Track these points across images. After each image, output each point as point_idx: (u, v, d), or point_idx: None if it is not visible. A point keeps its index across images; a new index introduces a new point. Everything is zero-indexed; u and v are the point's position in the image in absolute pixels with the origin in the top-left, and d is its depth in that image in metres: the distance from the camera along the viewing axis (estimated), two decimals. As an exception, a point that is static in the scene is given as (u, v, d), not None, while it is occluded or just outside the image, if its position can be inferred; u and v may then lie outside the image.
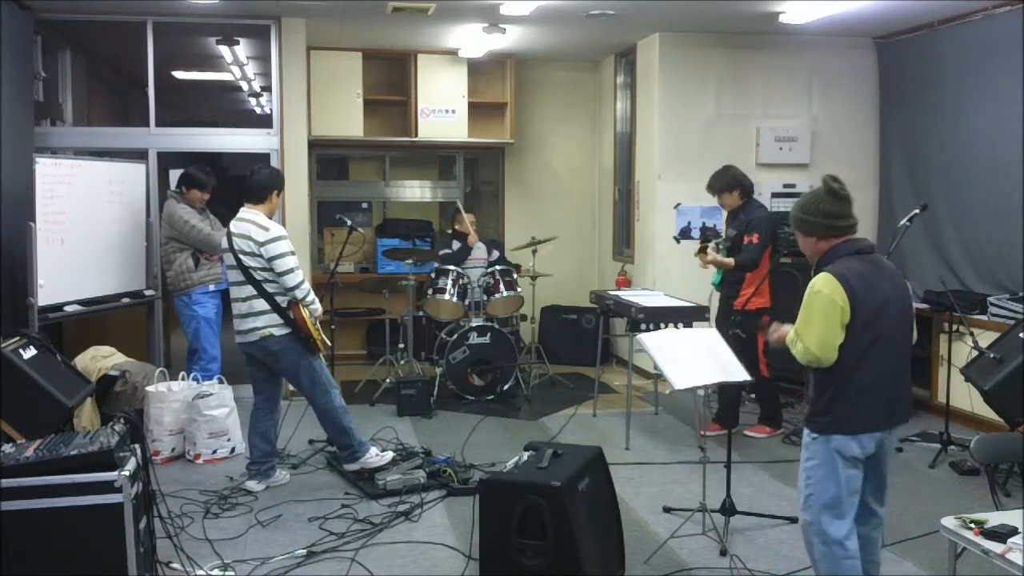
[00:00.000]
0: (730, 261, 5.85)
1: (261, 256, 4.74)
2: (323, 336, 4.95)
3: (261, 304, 4.79)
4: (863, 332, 3.10)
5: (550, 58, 8.87)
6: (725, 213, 6.28)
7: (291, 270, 4.76)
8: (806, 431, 3.27)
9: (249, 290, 4.80)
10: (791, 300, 6.82)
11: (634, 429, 6.04)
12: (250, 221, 4.82)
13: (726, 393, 5.79)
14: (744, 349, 5.06)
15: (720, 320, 5.90)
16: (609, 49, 8.50)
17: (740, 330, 5.23)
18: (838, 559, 3.17)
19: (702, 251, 6.01)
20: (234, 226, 4.86)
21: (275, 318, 4.79)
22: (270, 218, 4.95)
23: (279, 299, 4.79)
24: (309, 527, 4.47)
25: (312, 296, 4.87)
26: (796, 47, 7.67)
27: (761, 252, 5.82)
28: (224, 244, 4.90)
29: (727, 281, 5.99)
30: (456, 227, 7.79)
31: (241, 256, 4.77)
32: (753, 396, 6.44)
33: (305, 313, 4.79)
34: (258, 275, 4.77)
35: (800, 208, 3.29)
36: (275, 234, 4.77)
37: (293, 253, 4.83)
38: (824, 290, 3.11)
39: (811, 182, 7.60)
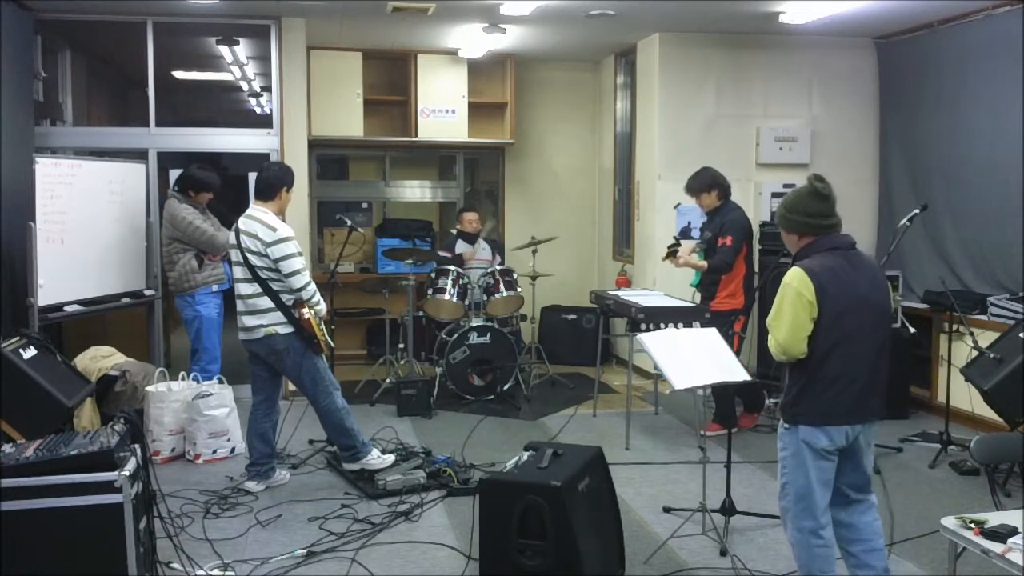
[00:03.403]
0: (703, 264, 5.85)
1: (267, 256, 4.74)
2: (327, 337, 4.96)
3: (266, 302, 4.79)
4: (831, 326, 3.16)
5: (550, 58, 8.87)
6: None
7: (298, 271, 4.76)
8: (781, 421, 3.34)
9: (254, 288, 4.80)
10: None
11: (634, 429, 6.04)
12: (258, 220, 4.81)
13: (720, 393, 5.79)
14: None
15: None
16: (609, 49, 8.49)
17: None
18: (811, 546, 3.27)
19: (671, 255, 6.02)
20: (242, 223, 4.85)
21: (279, 316, 4.80)
22: (280, 215, 4.95)
23: (284, 298, 4.80)
24: (309, 527, 4.47)
25: (318, 297, 4.87)
26: (796, 47, 7.67)
27: (734, 255, 5.83)
28: (232, 240, 4.90)
29: (704, 283, 6.02)
30: (458, 227, 7.80)
31: (248, 254, 4.77)
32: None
33: (310, 313, 4.80)
34: (263, 274, 4.77)
35: (784, 206, 3.35)
36: (282, 235, 4.77)
37: (300, 254, 4.83)
38: (792, 283, 3.18)
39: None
